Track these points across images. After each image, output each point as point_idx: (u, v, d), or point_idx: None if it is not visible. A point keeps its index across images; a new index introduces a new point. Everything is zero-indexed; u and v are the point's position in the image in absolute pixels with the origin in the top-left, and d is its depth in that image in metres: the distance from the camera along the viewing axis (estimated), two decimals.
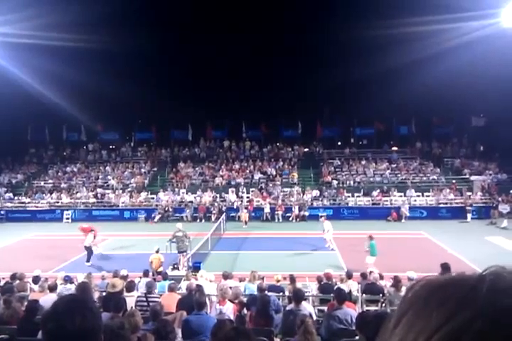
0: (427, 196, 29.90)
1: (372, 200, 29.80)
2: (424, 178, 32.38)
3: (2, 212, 29.86)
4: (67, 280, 11.06)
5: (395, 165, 34.46)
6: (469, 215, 27.09)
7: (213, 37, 35.64)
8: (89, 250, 17.91)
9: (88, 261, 17.74)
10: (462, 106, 34.79)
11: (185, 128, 39.23)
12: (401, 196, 29.76)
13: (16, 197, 32.11)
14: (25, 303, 8.06)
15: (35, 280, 11.30)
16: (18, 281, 11.10)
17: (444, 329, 0.53)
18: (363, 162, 35.10)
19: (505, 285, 0.55)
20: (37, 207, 30.91)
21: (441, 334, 0.53)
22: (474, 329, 0.51)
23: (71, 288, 10.07)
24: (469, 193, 29.33)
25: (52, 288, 9.53)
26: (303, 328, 5.94)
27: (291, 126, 38.90)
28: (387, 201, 29.45)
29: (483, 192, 29.79)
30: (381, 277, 11.34)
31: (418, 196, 29.96)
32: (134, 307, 8.35)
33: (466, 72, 28.44)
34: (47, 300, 8.14)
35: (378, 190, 30.31)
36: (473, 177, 31.62)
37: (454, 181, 30.92)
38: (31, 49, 29.52)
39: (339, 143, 41.39)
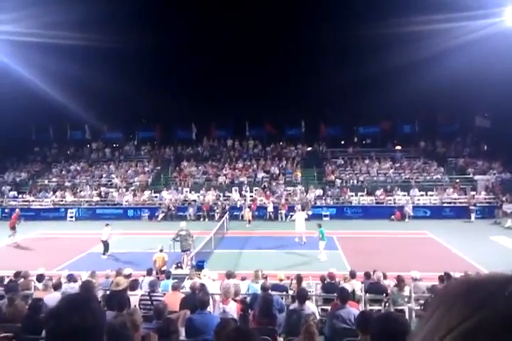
0: (430, 195, 29.81)
1: (376, 199, 29.75)
2: (428, 177, 32.29)
3: (6, 211, 29.93)
4: (71, 278, 11.09)
5: (398, 165, 34.39)
6: (473, 215, 27.00)
7: (218, 35, 35.69)
8: (105, 244, 18.69)
9: (104, 254, 18.63)
10: (466, 105, 34.70)
11: (189, 127, 39.30)
12: (404, 195, 29.71)
13: (20, 196, 32.24)
14: (29, 302, 8.09)
15: (40, 278, 11.32)
16: (22, 280, 11.14)
17: (461, 327, 0.54)
18: (367, 161, 35.05)
19: None
20: (41, 205, 31.02)
21: (458, 331, 0.54)
22: (488, 329, 0.51)
23: (75, 287, 10.09)
24: (473, 193, 29.24)
25: (57, 287, 9.56)
26: (304, 328, 5.94)
27: (294, 125, 38.90)
28: (390, 200, 29.40)
29: (487, 192, 29.69)
30: (385, 276, 11.32)
31: (422, 195, 29.89)
32: (137, 306, 8.37)
33: (471, 70, 28.31)
34: (51, 298, 8.18)
35: (382, 189, 30.27)
36: (477, 177, 31.51)
37: (457, 180, 30.82)
38: (36, 47, 29.64)
39: (342, 142, 41.38)
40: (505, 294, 0.54)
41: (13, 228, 22.13)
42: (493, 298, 0.54)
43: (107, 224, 19.40)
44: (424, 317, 0.62)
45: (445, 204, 28.86)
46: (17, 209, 24.90)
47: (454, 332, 0.54)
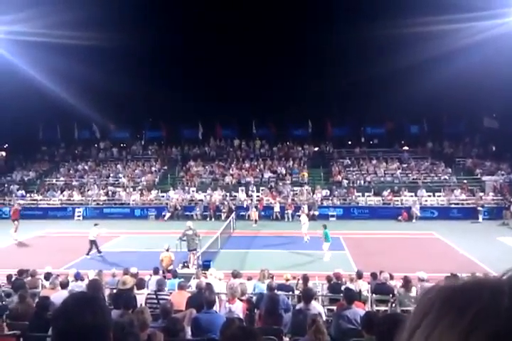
0: (438, 196, 29.66)
1: (383, 200, 29.64)
2: (436, 178, 32.14)
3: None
4: (78, 277, 11.15)
5: (405, 165, 34.25)
6: (481, 216, 26.84)
7: (224, 36, 35.73)
8: (93, 243, 18.59)
9: (88, 254, 18.51)
10: (474, 106, 34.51)
11: (196, 127, 39.38)
12: (412, 196, 29.58)
13: (28, 195, 32.44)
14: (37, 300, 8.13)
15: (47, 276, 11.40)
16: (30, 278, 11.21)
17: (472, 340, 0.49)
18: (374, 161, 34.94)
19: None
20: (49, 204, 31.20)
21: None
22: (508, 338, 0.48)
23: (82, 285, 10.14)
24: (481, 193, 29.06)
25: (64, 285, 9.60)
26: (314, 328, 5.92)
27: (301, 125, 38.88)
28: (397, 201, 29.29)
29: (495, 193, 29.49)
30: (391, 277, 11.27)
31: (429, 196, 29.75)
32: (143, 305, 8.40)
33: (478, 71, 28.18)
34: (58, 296, 8.21)
35: (389, 190, 30.14)
36: (485, 178, 31.32)
37: (465, 181, 30.65)
38: (43, 47, 29.78)
39: (349, 143, 41.24)
40: (502, 308, 0.50)
41: (16, 220, 22.51)
42: (491, 311, 0.50)
43: (96, 224, 19.37)
44: (412, 321, 0.57)
45: (453, 205, 28.71)
46: (15, 205, 25.14)
47: None
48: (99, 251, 18.82)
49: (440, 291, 0.57)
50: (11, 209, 24.48)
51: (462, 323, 0.51)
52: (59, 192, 32.40)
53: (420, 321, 0.56)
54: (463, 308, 0.52)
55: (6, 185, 33.97)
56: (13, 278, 11.14)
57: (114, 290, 9.26)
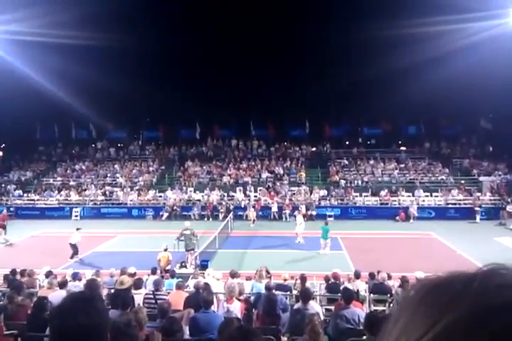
0: (435, 196, 29.72)
1: (381, 200, 29.68)
2: (433, 178, 32.18)
3: (11, 209, 30.03)
4: (76, 277, 11.13)
5: (403, 165, 34.30)
6: (478, 216, 26.91)
7: (222, 36, 35.72)
8: (74, 247, 18.23)
9: (72, 257, 18.15)
10: (471, 106, 34.57)
11: (193, 127, 39.33)
12: (409, 196, 29.62)
13: (25, 194, 32.36)
14: (34, 300, 8.13)
15: (48, 275, 11.41)
16: (27, 277, 11.19)
17: (433, 331, 0.51)
18: (371, 162, 34.97)
19: (500, 282, 0.53)
20: (46, 204, 31.12)
21: (431, 335, 0.51)
22: (462, 328, 0.50)
23: (80, 285, 10.12)
24: (478, 194, 29.12)
25: (62, 285, 9.59)
26: (309, 328, 5.93)
27: (298, 125, 38.86)
28: (395, 201, 29.33)
29: (492, 193, 29.56)
30: (389, 277, 11.29)
31: (426, 196, 29.80)
32: (141, 305, 8.39)
33: (475, 72, 28.24)
34: (56, 296, 8.20)
35: (386, 190, 30.18)
36: (482, 178, 31.40)
37: (462, 181, 30.72)
38: (40, 47, 29.70)
39: (347, 143, 41.28)
40: (470, 294, 0.52)
41: (2, 227, 22.34)
42: (458, 299, 0.52)
43: (78, 229, 18.92)
44: (389, 324, 0.59)
45: (450, 205, 28.77)
46: (4, 210, 24.89)
47: (423, 339, 0.52)
48: (76, 255, 18.36)
49: (420, 288, 0.59)
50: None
51: (430, 313, 0.53)
52: (56, 192, 32.33)
53: (398, 318, 0.58)
54: (434, 300, 0.55)
55: (3, 185, 33.88)
56: (10, 278, 11.13)
57: (112, 290, 9.24)
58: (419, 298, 0.57)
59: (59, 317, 1.60)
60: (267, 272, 11.55)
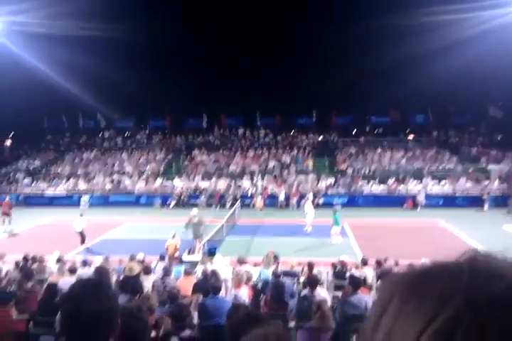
0: (443, 184, 29.58)
1: (388, 188, 29.60)
2: (441, 167, 32.00)
3: (20, 198, 30.30)
4: (85, 263, 11.25)
5: (411, 154, 34.11)
6: (486, 204, 26.78)
7: (229, 26, 35.47)
8: (82, 235, 18.24)
9: (82, 244, 18.20)
10: (479, 95, 34.23)
11: (200, 116, 39.29)
12: (417, 185, 29.51)
13: (33, 183, 32.61)
14: (45, 286, 8.24)
15: (58, 260, 11.56)
16: (37, 264, 11.33)
17: (432, 328, 0.49)
18: (379, 150, 34.80)
19: (488, 272, 0.52)
20: (54, 192, 31.34)
21: (430, 333, 0.49)
22: (462, 325, 0.48)
23: (89, 272, 10.24)
24: (487, 182, 28.95)
25: (72, 271, 9.71)
26: (320, 313, 5.98)
27: (305, 114, 38.67)
28: (402, 189, 29.24)
29: (500, 181, 29.36)
30: (396, 264, 11.32)
31: (434, 185, 29.67)
32: (150, 291, 8.48)
33: (484, 60, 27.96)
34: (66, 282, 8.30)
35: (394, 178, 30.08)
36: (490, 166, 31.16)
37: (470, 170, 30.52)
38: (47, 38, 29.74)
39: (354, 132, 41.07)
40: (462, 288, 0.51)
41: (6, 214, 22.33)
42: (451, 293, 0.51)
43: (82, 215, 18.82)
44: (377, 307, 0.57)
45: (458, 194, 28.65)
46: (7, 198, 24.39)
47: (422, 337, 0.50)
48: (84, 243, 18.32)
49: (403, 277, 0.57)
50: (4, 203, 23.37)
51: (424, 308, 0.51)
52: (64, 180, 32.54)
53: (385, 308, 0.56)
54: (424, 292, 0.53)
55: (11, 174, 34.14)
56: (21, 264, 11.27)
57: (121, 277, 9.34)
58: (404, 289, 0.55)
59: (70, 302, 1.62)
60: (275, 257, 11.58)
